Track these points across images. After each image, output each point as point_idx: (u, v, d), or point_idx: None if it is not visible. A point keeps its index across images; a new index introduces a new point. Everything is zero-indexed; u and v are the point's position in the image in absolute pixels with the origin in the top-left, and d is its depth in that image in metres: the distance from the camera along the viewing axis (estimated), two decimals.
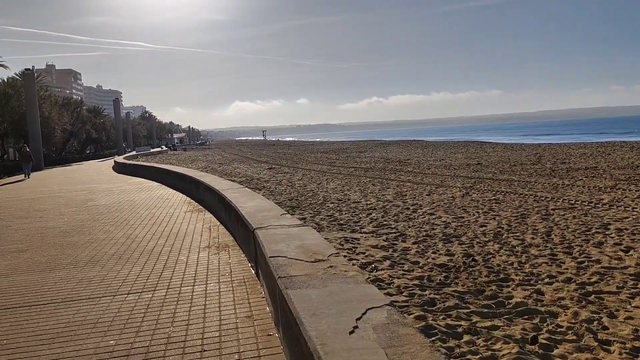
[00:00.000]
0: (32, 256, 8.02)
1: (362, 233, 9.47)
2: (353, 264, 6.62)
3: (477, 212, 11.73)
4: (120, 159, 36.24)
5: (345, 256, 7.30)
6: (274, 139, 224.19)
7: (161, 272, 6.59)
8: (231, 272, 6.46)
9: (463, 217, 11.14)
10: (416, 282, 6.17)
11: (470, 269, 6.76)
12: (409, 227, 10.03)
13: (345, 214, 12.20)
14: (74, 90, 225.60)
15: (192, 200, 14.35)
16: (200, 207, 12.96)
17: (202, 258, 7.34)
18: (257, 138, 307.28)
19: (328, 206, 13.72)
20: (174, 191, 17.08)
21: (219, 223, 10.41)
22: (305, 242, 5.11)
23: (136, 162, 27.62)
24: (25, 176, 28.61)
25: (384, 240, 8.71)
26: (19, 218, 12.54)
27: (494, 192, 15.39)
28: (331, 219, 11.53)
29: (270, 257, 4.62)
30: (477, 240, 8.68)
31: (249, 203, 8.52)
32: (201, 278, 6.23)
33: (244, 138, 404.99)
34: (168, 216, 11.64)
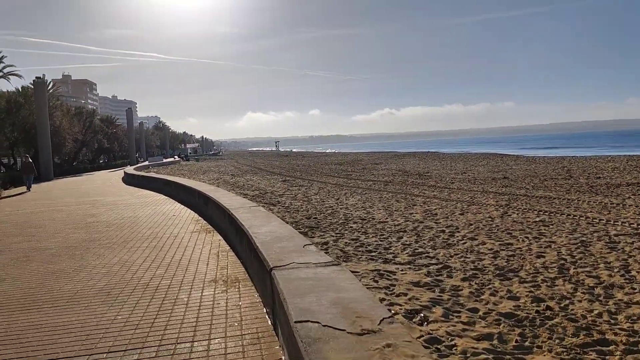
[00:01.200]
0: (6, 289, 6.76)
1: (397, 264, 8.08)
2: (396, 312, 5.23)
3: (526, 238, 10.30)
4: (130, 169, 35.25)
5: (389, 305, 5.88)
6: (286, 150, 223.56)
7: (154, 319, 5.27)
8: (241, 320, 5.13)
9: (511, 244, 9.71)
10: (485, 344, 4.75)
11: (549, 323, 5.34)
12: (451, 256, 8.63)
13: (372, 237, 10.83)
14: (89, 100, 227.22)
15: (200, 218, 13.08)
16: (209, 226, 11.68)
17: (206, 297, 6.02)
18: (270, 149, 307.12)
19: (351, 227, 12.37)
20: (182, 206, 15.84)
21: (228, 248, 9.11)
22: (343, 296, 3.75)
23: (145, 174, 26.53)
24: (27, 188, 27.57)
25: (425, 274, 7.32)
26: (10, 236, 11.35)
27: (536, 212, 13.92)
28: (357, 244, 10.17)
29: (296, 321, 3.27)
30: (541, 276, 7.25)
31: (264, 228, 7.19)
32: (203, 329, 4.90)
33: (257, 149, 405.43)
34: (172, 237, 10.37)
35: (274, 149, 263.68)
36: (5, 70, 71.42)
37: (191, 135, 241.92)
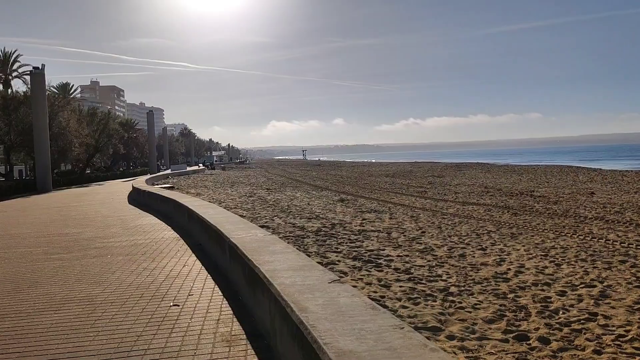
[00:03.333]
0: None
1: None
2: None
3: None
4: (140, 182, 27.86)
5: None
6: (315, 159, 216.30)
7: None
8: None
9: None
10: None
11: None
12: None
13: None
14: (116, 107, 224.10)
15: (232, 315, 5.27)
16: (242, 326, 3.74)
17: None
18: (297, 157, 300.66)
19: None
20: (198, 264, 8.16)
21: None
22: None
23: (155, 191, 18.90)
24: None
25: None
26: None
27: None
28: None
29: None
30: None
31: None
32: None
33: (284, 157, 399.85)
34: None
35: (301, 157, 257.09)
36: (20, 70, 65.71)
37: (217, 142, 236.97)
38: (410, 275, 7.68)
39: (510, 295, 6.78)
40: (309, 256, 9.24)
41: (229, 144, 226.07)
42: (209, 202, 22.10)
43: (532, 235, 12.03)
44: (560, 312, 6.11)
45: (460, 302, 6.33)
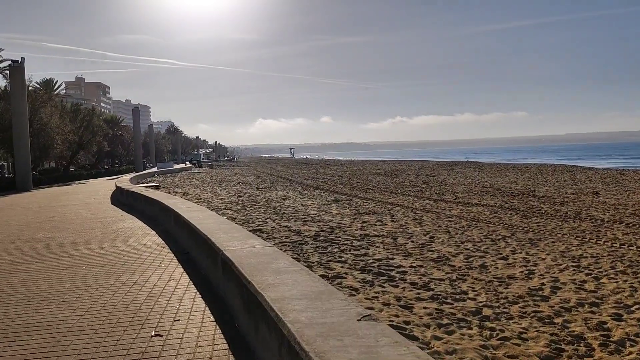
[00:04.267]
0: None
1: None
2: None
3: None
4: (124, 181, 26.63)
5: None
6: (303, 157, 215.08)
7: None
8: None
9: None
10: None
11: None
12: None
13: None
14: (101, 104, 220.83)
15: (216, 322, 4.27)
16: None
17: None
18: (285, 155, 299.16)
19: None
20: (181, 271, 7.19)
21: None
22: None
23: (139, 191, 17.74)
24: None
25: None
26: None
27: None
28: None
29: None
30: None
31: None
32: None
33: (271, 155, 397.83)
34: None
35: (288, 155, 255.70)
36: (1, 65, 63.79)
37: (204, 140, 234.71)
38: (432, 292, 6.73)
39: (558, 320, 5.84)
40: (311, 267, 8.24)
41: (216, 142, 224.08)
42: (197, 202, 21.01)
43: (553, 242, 11.11)
44: (627, 345, 5.18)
45: (502, 331, 5.36)
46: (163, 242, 10.31)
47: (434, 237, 11.56)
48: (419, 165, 62.01)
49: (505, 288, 7.17)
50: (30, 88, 44.65)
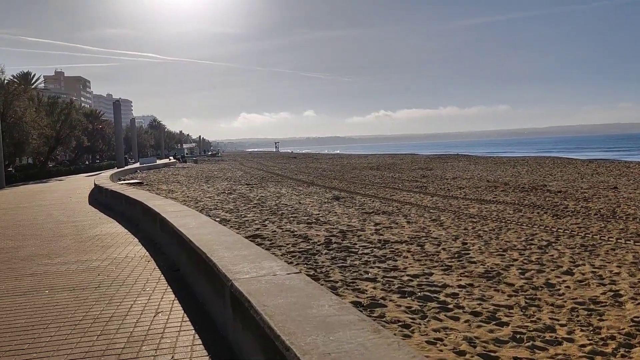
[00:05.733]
0: None
1: None
2: None
3: None
4: (103, 178, 24.66)
5: None
6: (288, 151, 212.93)
7: None
8: None
9: None
10: None
11: None
12: None
13: None
14: (82, 98, 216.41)
15: None
16: None
17: None
18: (269, 149, 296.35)
19: None
20: (172, 298, 5.50)
21: None
22: None
23: (119, 190, 15.85)
24: None
25: None
26: None
27: None
28: None
29: None
30: None
31: None
32: None
33: (256, 150, 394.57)
34: None
35: (273, 149, 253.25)
36: None
37: (188, 134, 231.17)
38: (508, 328, 5.12)
39: None
40: (336, 290, 6.55)
41: (200, 136, 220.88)
42: (184, 201, 19.22)
43: (613, 249, 9.49)
44: None
45: None
46: (147, 253, 8.58)
47: (466, 243, 9.95)
48: (410, 159, 60.57)
49: (600, 320, 5.61)
50: (5, 81, 42.27)
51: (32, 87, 64.87)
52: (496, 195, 19.36)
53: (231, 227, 12.29)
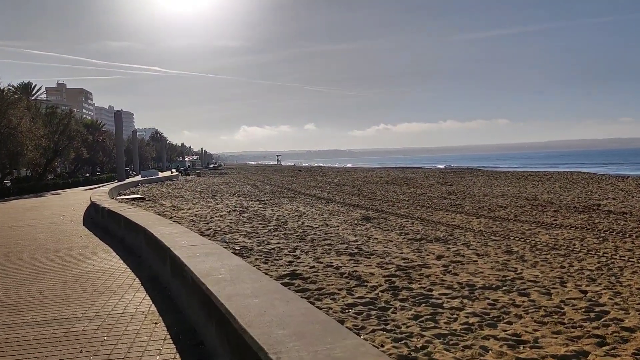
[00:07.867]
0: None
1: None
2: None
3: None
4: (102, 192, 22.22)
5: None
6: (290, 164, 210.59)
7: None
8: None
9: None
10: None
11: None
12: None
13: None
14: (84, 110, 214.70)
15: None
16: None
17: None
18: (271, 162, 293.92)
19: None
20: None
21: None
22: None
23: (118, 210, 13.36)
24: None
25: None
26: None
27: None
28: None
29: None
30: None
31: None
32: None
33: (257, 162, 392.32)
34: None
35: (275, 162, 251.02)
36: None
37: (189, 147, 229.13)
38: None
39: None
40: None
41: (201, 149, 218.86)
42: (192, 221, 16.79)
43: None
44: None
45: None
46: (154, 307, 6.12)
47: (586, 291, 7.42)
48: (424, 173, 58.10)
49: None
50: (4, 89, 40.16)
51: (33, 97, 62.76)
52: (553, 217, 16.86)
53: (256, 259, 9.86)
